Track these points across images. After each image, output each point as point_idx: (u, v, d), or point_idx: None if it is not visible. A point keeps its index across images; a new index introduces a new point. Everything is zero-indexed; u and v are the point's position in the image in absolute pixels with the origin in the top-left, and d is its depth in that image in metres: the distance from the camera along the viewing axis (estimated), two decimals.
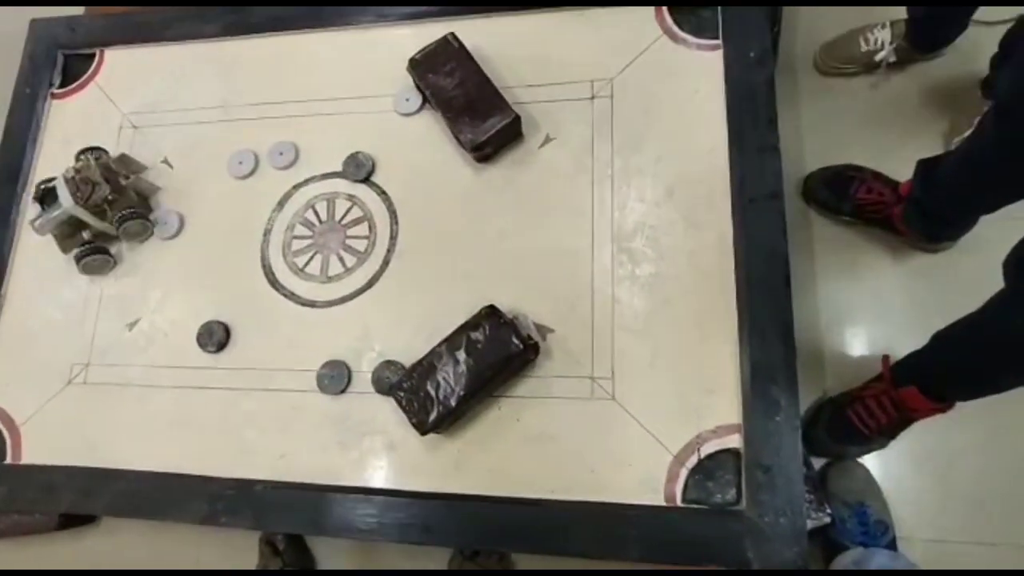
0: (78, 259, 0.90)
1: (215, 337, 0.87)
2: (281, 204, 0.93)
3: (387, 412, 0.80)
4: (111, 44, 1.05)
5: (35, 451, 0.88)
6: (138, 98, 1.02)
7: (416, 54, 0.88)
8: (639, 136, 0.85)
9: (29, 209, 0.97)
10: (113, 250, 0.93)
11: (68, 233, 0.91)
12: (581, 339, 0.79)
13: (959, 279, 0.95)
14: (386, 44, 0.96)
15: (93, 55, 1.05)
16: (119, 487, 0.83)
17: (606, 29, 0.90)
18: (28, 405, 0.90)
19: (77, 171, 0.87)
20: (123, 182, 0.90)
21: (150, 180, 0.95)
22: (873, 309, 0.97)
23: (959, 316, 0.75)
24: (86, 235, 0.91)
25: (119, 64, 1.05)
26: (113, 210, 0.89)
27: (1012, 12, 0.97)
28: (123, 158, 0.93)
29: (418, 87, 0.90)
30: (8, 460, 0.88)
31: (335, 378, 0.82)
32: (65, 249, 0.91)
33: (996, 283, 0.69)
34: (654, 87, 0.87)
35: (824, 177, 1.01)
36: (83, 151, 0.92)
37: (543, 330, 0.80)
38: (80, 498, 0.84)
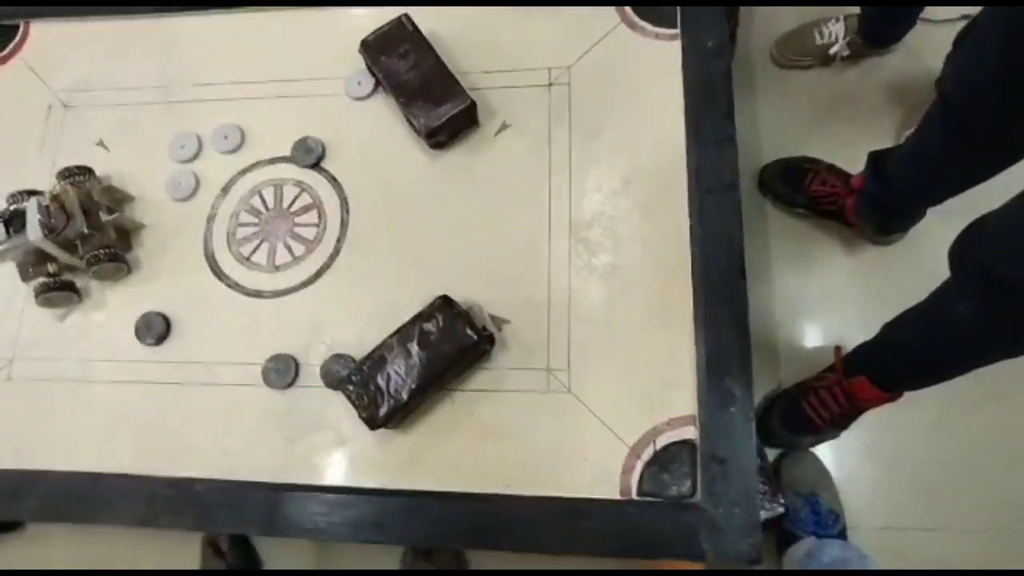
0: (38, 293, 0.81)
1: (154, 329, 0.82)
2: (225, 190, 0.88)
3: (337, 407, 0.76)
4: (38, 15, 0.98)
5: None
6: (69, 75, 0.95)
7: (368, 35, 0.85)
8: (596, 125, 0.84)
9: None
10: (80, 283, 0.84)
11: (32, 262, 0.82)
12: (537, 330, 0.77)
13: (909, 270, 0.97)
14: (338, 25, 0.92)
15: (16, 27, 0.98)
16: (45, 489, 0.78)
17: (564, 16, 0.88)
18: None
19: (54, 198, 0.79)
20: (103, 217, 0.81)
21: (134, 216, 0.86)
22: (826, 300, 0.99)
23: (909, 305, 0.77)
24: (51, 268, 0.82)
25: (47, 37, 0.98)
26: (86, 247, 0.80)
27: (956, 12, 1.00)
28: (109, 189, 0.84)
29: (370, 70, 0.87)
30: None
31: (281, 372, 0.79)
32: (25, 278, 0.82)
33: (943, 275, 0.71)
34: (612, 76, 0.85)
35: (779, 169, 1.02)
36: (65, 171, 0.83)
37: (498, 321, 0.78)
38: (1, 503, 0.78)
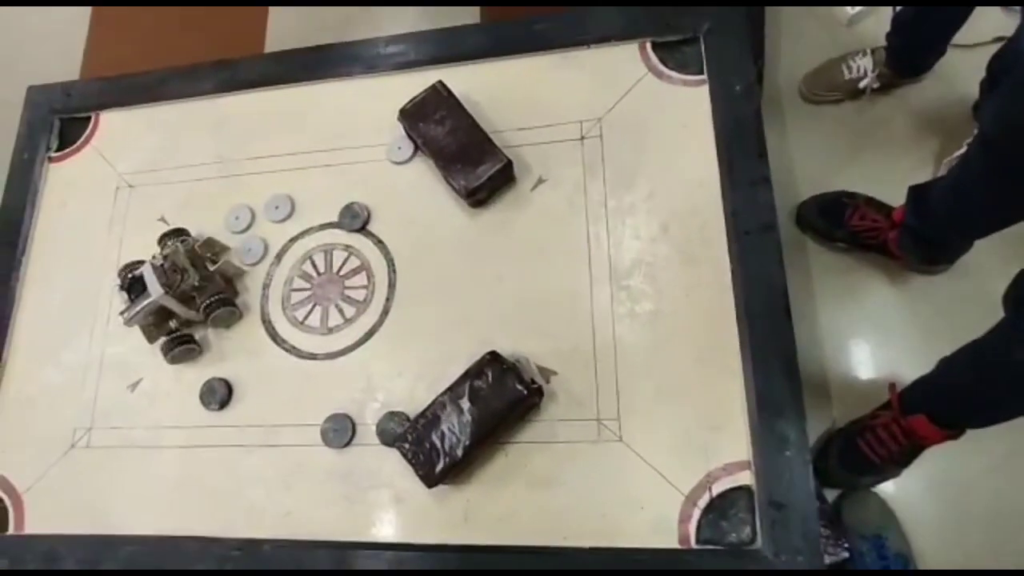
0: (166, 351, 0.87)
1: (217, 395, 0.86)
2: (279, 257, 0.93)
3: (393, 464, 0.79)
4: (106, 107, 1.06)
5: (38, 520, 0.87)
6: (134, 158, 1.03)
7: (406, 104, 0.90)
8: (631, 174, 0.86)
9: (115, 298, 0.93)
10: (198, 335, 0.90)
11: (155, 322, 0.88)
12: (585, 380, 0.78)
13: (958, 299, 0.95)
14: (376, 94, 0.97)
15: (88, 118, 1.07)
16: (124, 554, 0.81)
17: (592, 70, 0.92)
18: (30, 472, 0.89)
19: (165, 257, 0.85)
20: (210, 267, 0.87)
21: (235, 262, 0.91)
22: (875, 333, 0.97)
23: (961, 335, 0.75)
24: (173, 324, 0.88)
25: (114, 126, 1.06)
26: (201, 296, 0.86)
27: (989, 35, 0.99)
28: (209, 241, 0.90)
29: (409, 136, 0.91)
30: (11, 530, 0.86)
31: (339, 432, 0.81)
32: (151, 338, 0.88)
33: (994, 303, 0.69)
34: (642, 124, 0.87)
35: (817, 205, 1.02)
36: (167, 235, 0.90)
37: (546, 373, 0.79)
38: (84, 567, 0.82)
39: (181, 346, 0.87)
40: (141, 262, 0.89)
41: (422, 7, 1.38)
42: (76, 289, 0.97)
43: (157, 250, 0.90)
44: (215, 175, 0.99)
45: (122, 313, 0.87)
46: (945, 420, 0.78)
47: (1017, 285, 0.64)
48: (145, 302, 0.84)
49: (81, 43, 1.60)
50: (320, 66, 1.00)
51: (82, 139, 1.06)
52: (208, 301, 0.86)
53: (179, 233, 0.91)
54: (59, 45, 1.61)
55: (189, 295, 0.87)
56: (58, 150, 1.06)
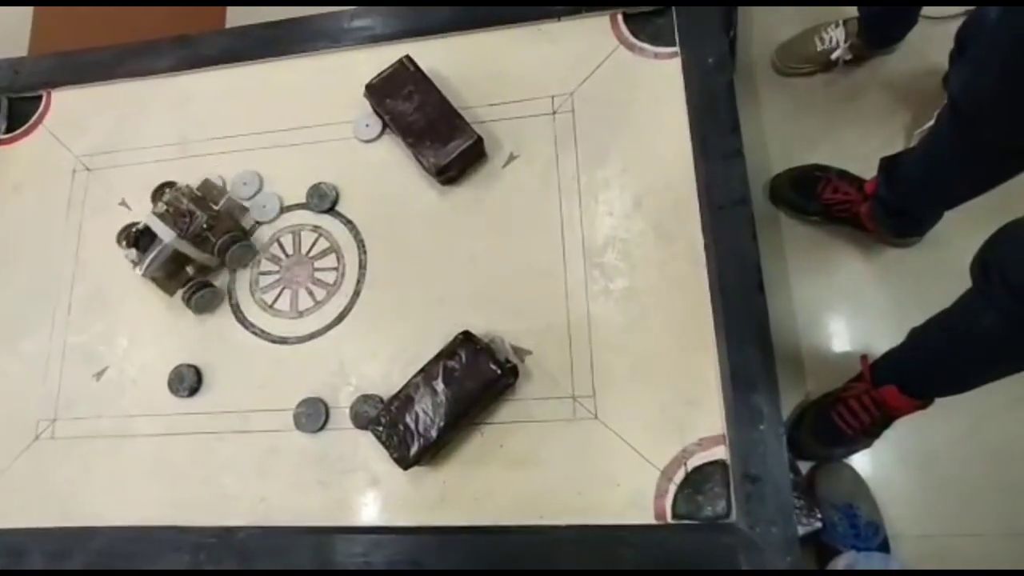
0: (187, 298, 0.84)
1: (186, 381, 0.84)
2: None
3: (367, 447, 0.78)
4: (58, 85, 1.02)
5: (3, 514, 0.84)
6: (90, 139, 0.99)
7: (372, 79, 0.87)
8: (603, 148, 0.85)
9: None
10: (218, 282, 0.87)
11: (171, 272, 0.85)
12: (559, 358, 0.78)
13: (929, 271, 0.96)
14: (342, 70, 0.94)
15: (39, 97, 1.02)
16: (94, 546, 0.80)
17: (562, 43, 0.90)
18: None
19: (168, 204, 0.82)
20: (215, 207, 0.84)
21: (239, 201, 0.89)
22: (848, 306, 0.98)
23: (932, 307, 0.76)
24: (190, 270, 0.85)
25: (68, 105, 1.02)
26: (215, 235, 0.84)
27: (957, 8, 0.99)
28: (206, 184, 0.86)
29: (377, 112, 0.89)
30: None
31: (312, 416, 0.80)
32: (170, 291, 0.86)
33: (964, 274, 0.70)
34: (615, 98, 0.86)
35: (790, 178, 1.02)
36: (160, 188, 0.88)
37: (521, 352, 0.79)
38: (53, 561, 0.80)
39: (203, 290, 0.85)
40: (137, 223, 0.86)
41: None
42: (34, 277, 0.94)
43: (151, 206, 0.86)
44: (177, 156, 0.96)
45: (136, 266, 0.84)
46: (915, 390, 0.80)
47: (984, 252, 0.64)
48: (158, 248, 0.82)
49: (28, 18, 1.53)
50: (283, 41, 0.97)
51: (33, 119, 1.01)
52: (222, 240, 0.84)
53: (168, 185, 0.88)
54: (3, 19, 1.53)
55: (202, 236, 0.84)
56: (7, 131, 1.02)
